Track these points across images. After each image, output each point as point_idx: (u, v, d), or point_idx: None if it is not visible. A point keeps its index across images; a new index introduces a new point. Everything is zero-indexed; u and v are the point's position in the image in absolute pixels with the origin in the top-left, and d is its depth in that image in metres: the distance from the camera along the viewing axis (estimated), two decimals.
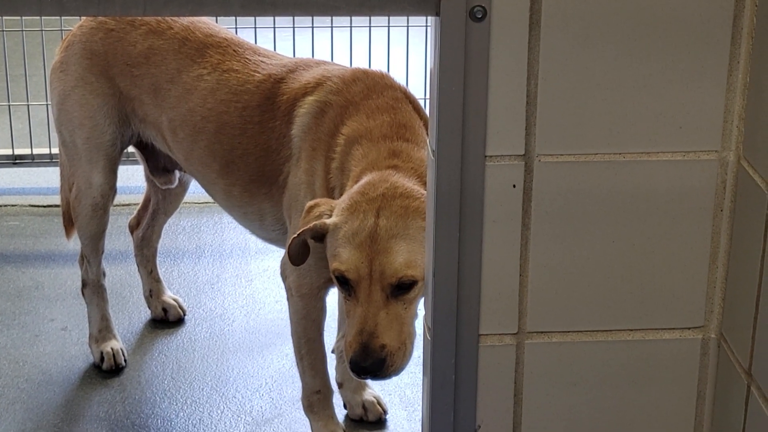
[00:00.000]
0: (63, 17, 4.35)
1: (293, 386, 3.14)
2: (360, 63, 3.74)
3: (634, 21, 1.79)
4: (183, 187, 3.42)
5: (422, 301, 2.31)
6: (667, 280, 1.92)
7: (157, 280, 3.52)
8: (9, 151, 4.47)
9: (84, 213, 3.15)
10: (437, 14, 1.76)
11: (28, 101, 4.51)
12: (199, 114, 2.90)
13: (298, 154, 2.74)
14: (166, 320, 3.51)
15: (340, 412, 3.03)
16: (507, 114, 1.81)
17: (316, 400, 2.86)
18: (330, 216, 2.46)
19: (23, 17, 4.36)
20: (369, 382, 3.06)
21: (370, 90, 2.69)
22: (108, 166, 3.10)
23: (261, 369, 3.29)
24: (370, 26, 4.46)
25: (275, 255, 3.46)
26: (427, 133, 2.42)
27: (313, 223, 2.46)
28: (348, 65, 3.03)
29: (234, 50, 2.95)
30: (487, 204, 1.85)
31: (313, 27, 4.38)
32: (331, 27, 4.42)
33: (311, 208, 2.51)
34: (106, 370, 3.26)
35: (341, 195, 2.54)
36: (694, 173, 1.87)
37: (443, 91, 1.79)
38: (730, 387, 1.93)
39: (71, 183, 3.16)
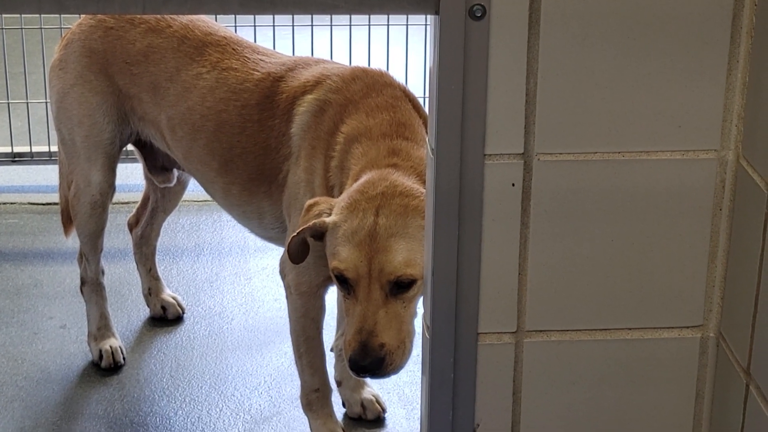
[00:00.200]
0: (62, 15, 4.35)
1: (292, 384, 3.14)
2: (359, 61, 3.74)
3: (633, 20, 1.79)
4: (182, 185, 3.42)
5: (421, 299, 2.31)
6: (666, 279, 1.93)
7: (156, 278, 3.52)
8: (8, 149, 4.47)
9: (83, 211, 3.15)
10: (436, 13, 1.76)
11: (27, 99, 4.51)
12: (198, 112, 2.90)
13: (297, 152, 2.74)
14: (165, 318, 3.51)
15: (339, 411, 3.03)
16: (506, 113, 1.81)
17: (314, 399, 2.86)
18: (329, 214, 2.46)
19: (22, 15, 4.36)
20: (368, 380, 3.06)
21: (370, 88, 2.69)
22: (107, 164, 3.10)
23: (260, 367, 3.29)
24: (369, 25, 4.46)
25: (274, 253, 3.46)
26: (427, 132, 2.42)
27: (313, 221, 2.46)
28: (347, 64, 3.03)
29: (233, 49, 2.95)
30: (486, 203, 1.85)
31: (312, 25, 4.38)
32: (331, 25, 4.41)
33: (311, 206, 2.51)
34: (104, 368, 3.26)
35: (341, 193, 2.54)
36: (693, 172, 1.87)
37: (442, 89, 1.79)
38: (729, 386, 1.93)
39: (70, 181, 3.16)
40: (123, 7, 1.76)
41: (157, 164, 3.27)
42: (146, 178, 3.39)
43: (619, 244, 1.90)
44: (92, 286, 3.29)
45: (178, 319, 3.52)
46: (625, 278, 1.92)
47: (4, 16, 4.45)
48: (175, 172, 3.31)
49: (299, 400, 2.91)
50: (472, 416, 1.96)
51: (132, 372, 3.25)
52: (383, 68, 2.82)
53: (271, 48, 3.12)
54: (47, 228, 4.08)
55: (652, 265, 1.92)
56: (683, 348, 1.97)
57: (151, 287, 3.51)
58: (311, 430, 2.89)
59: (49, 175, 4.40)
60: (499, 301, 1.90)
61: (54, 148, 4.22)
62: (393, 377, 2.65)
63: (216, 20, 3.21)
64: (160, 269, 3.55)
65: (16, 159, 4.47)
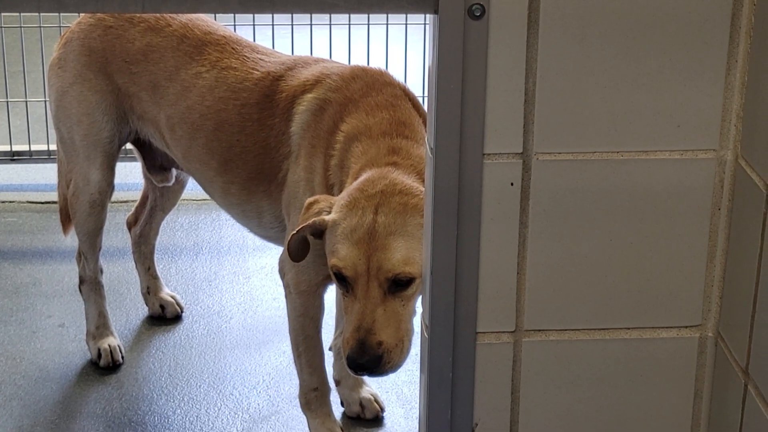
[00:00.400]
0: (61, 14, 4.35)
1: (290, 383, 3.14)
2: (358, 61, 3.74)
3: (632, 20, 1.79)
4: (181, 184, 3.42)
5: (420, 298, 2.31)
6: (664, 278, 1.93)
7: (155, 277, 3.52)
8: (7, 148, 4.47)
9: (81, 210, 3.15)
10: (436, 12, 1.76)
11: (26, 98, 4.51)
12: (197, 111, 2.90)
13: (297, 151, 2.74)
14: (164, 317, 3.51)
15: (338, 410, 3.03)
16: (505, 112, 1.81)
17: (313, 398, 2.87)
18: (329, 212, 2.46)
19: (21, 13, 4.36)
20: (366, 379, 3.06)
21: (370, 87, 2.70)
22: (106, 162, 3.10)
23: (258, 366, 3.29)
24: (368, 24, 4.46)
25: (273, 252, 3.46)
26: (426, 131, 2.42)
27: (313, 219, 2.46)
28: (346, 63, 3.03)
29: (232, 48, 2.95)
30: (485, 202, 1.85)
31: (311, 24, 4.38)
32: (330, 24, 4.41)
33: (311, 204, 2.51)
34: (103, 366, 3.26)
35: (341, 192, 2.54)
36: (692, 172, 1.88)
37: (441, 89, 1.79)
38: (727, 386, 1.93)
39: (69, 179, 3.16)
40: (122, 6, 1.77)
41: (155, 163, 3.27)
42: (145, 177, 3.39)
43: (618, 243, 1.90)
44: (91, 285, 3.29)
45: (176, 318, 3.52)
46: (624, 278, 1.92)
47: (3, 14, 4.45)
48: (174, 171, 3.31)
49: (298, 399, 2.91)
50: (471, 415, 1.96)
51: (130, 371, 3.25)
52: (383, 67, 2.82)
53: (270, 47, 3.12)
54: (46, 227, 4.08)
55: (650, 264, 1.92)
56: (682, 348, 1.97)
57: (150, 286, 3.51)
58: (310, 429, 2.89)
59: (47, 174, 4.40)
60: (498, 301, 1.90)
61: (53, 147, 4.23)
62: (391, 376, 2.65)
63: (215, 19, 3.21)
64: (159, 268, 3.55)
65: (15, 158, 4.47)
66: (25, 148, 4.47)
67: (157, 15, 2.99)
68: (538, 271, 1.90)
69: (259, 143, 2.81)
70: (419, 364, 2.03)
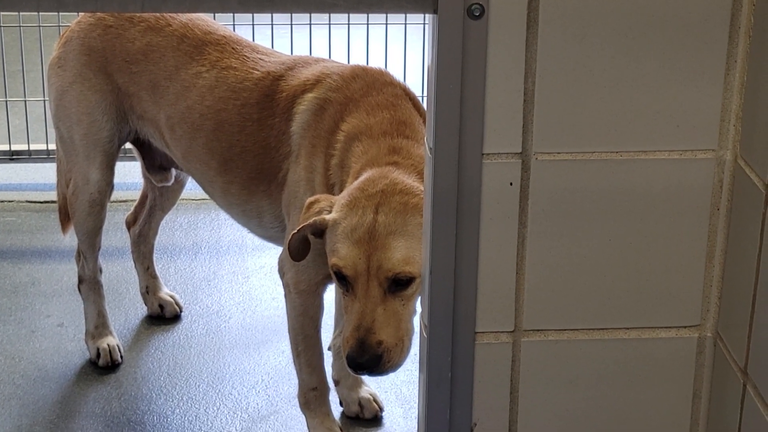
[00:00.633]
0: (61, 13, 4.35)
1: (290, 383, 3.14)
2: (358, 60, 3.74)
3: (631, 19, 1.79)
4: (180, 183, 3.42)
5: (419, 298, 2.31)
6: (663, 278, 1.93)
7: (154, 277, 3.52)
8: (6, 147, 4.47)
9: (81, 209, 3.15)
10: (435, 12, 1.76)
11: (25, 97, 4.51)
12: (197, 111, 2.90)
13: (297, 151, 2.74)
14: (163, 317, 3.51)
15: (336, 410, 3.03)
16: (504, 112, 1.81)
17: (312, 397, 2.87)
18: (330, 212, 2.46)
19: (21, 13, 4.36)
20: (365, 378, 3.06)
21: (370, 87, 2.70)
22: (105, 162, 3.10)
23: (257, 366, 3.29)
24: (368, 24, 4.46)
25: (272, 252, 3.46)
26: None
27: (313, 218, 2.46)
28: (346, 63, 3.03)
29: (232, 48, 2.95)
30: (484, 202, 1.85)
31: (311, 24, 4.38)
32: (329, 24, 4.42)
33: (311, 204, 2.51)
34: (102, 366, 3.26)
35: (341, 191, 2.54)
36: (691, 172, 1.88)
37: (441, 88, 1.79)
38: (726, 386, 1.94)
39: (68, 179, 3.16)
40: (122, 5, 1.77)
41: (155, 163, 3.27)
42: (144, 176, 3.39)
43: (617, 243, 1.90)
44: (90, 285, 3.29)
45: (175, 318, 3.52)
46: (623, 278, 1.92)
47: (2, 14, 4.45)
48: (173, 171, 3.31)
49: (297, 399, 2.91)
50: (470, 415, 1.96)
51: (129, 370, 3.26)
52: (383, 67, 2.82)
53: (270, 47, 3.13)
54: (45, 226, 4.08)
55: (649, 264, 1.92)
56: (680, 348, 1.97)
57: (149, 286, 3.51)
58: (308, 428, 2.89)
59: (47, 173, 4.40)
60: (497, 300, 1.91)
61: (52, 146, 4.22)
62: (390, 376, 2.65)
63: (215, 19, 3.21)
64: (158, 268, 3.55)
65: (14, 157, 4.47)
66: (24, 147, 4.47)
67: (157, 14, 2.99)
68: (537, 271, 1.90)
69: (259, 143, 2.81)
70: (418, 364, 2.03)
